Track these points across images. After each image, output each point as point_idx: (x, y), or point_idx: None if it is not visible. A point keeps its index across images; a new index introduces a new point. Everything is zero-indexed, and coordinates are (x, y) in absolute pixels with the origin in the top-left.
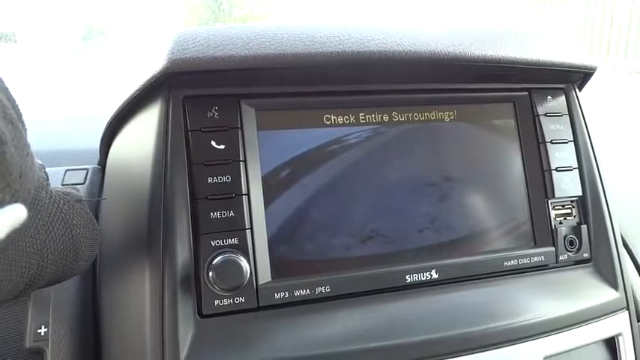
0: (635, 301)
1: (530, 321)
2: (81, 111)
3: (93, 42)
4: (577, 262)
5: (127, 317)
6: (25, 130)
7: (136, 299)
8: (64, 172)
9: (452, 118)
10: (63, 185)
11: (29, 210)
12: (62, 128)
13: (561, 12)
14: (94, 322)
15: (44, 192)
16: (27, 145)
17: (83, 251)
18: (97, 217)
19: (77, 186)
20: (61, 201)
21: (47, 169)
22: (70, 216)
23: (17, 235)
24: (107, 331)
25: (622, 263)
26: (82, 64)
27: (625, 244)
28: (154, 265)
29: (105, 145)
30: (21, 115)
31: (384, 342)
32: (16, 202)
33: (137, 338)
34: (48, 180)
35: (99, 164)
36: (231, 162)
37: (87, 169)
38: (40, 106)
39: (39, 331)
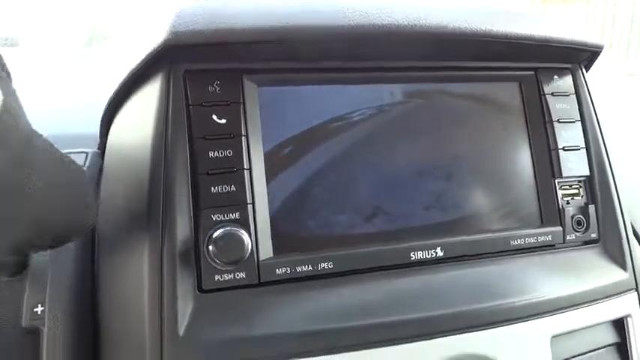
0: None
1: (537, 299)
2: (82, 99)
3: (96, 46)
4: (585, 243)
5: (125, 294)
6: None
7: (134, 275)
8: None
9: (457, 96)
10: None
11: None
12: (63, 114)
13: (562, 14)
14: (91, 300)
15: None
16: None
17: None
18: (96, 198)
19: None
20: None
21: None
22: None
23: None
24: (105, 308)
25: (631, 244)
26: (85, 68)
27: (635, 232)
28: (153, 239)
29: (105, 126)
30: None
31: (387, 318)
32: None
33: (135, 314)
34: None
35: (99, 148)
36: (232, 136)
37: (86, 153)
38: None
39: (35, 309)
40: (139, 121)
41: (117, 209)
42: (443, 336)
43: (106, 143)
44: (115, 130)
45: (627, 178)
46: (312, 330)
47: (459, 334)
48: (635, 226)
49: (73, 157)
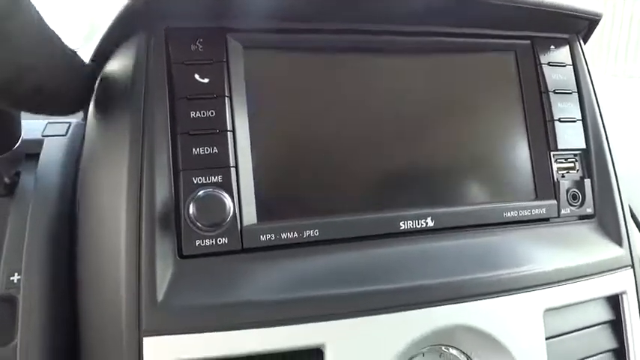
0: None
1: (530, 272)
2: None
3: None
4: (580, 218)
5: (102, 259)
6: None
7: (112, 239)
8: (45, 124)
9: (452, 67)
10: (43, 136)
11: None
12: None
13: None
14: (68, 268)
15: None
16: None
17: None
18: (77, 167)
19: (58, 137)
20: None
21: (28, 121)
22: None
23: None
24: (82, 275)
25: (627, 220)
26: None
27: (633, 216)
28: (132, 201)
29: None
30: None
31: (374, 286)
32: None
33: (112, 280)
34: None
35: (83, 120)
36: (215, 97)
37: (69, 123)
38: None
39: (11, 278)
40: (119, 82)
41: (97, 176)
42: (433, 306)
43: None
44: (96, 96)
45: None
46: (297, 298)
47: (450, 304)
48: (633, 211)
49: (55, 125)
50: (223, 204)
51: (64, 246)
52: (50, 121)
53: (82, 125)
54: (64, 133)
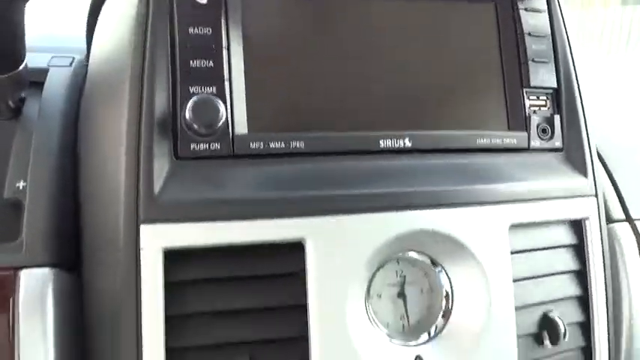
0: (607, 207)
1: (498, 188)
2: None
3: None
4: (549, 150)
5: (104, 162)
6: None
7: (114, 144)
8: (50, 57)
9: (435, 10)
10: (49, 65)
11: None
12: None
13: None
14: (72, 177)
15: None
16: None
17: None
18: (80, 95)
19: (63, 68)
20: None
21: (34, 54)
22: None
23: None
24: (85, 179)
25: (592, 155)
26: None
27: (604, 165)
28: (132, 109)
29: (89, 31)
30: None
31: (352, 190)
32: None
33: (114, 179)
34: None
35: (86, 58)
36: (213, 16)
37: (73, 57)
38: None
39: (17, 185)
40: (121, 4)
41: (100, 89)
42: (405, 210)
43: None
44: (101, 17)
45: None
46: (281, 196)
47: (421, 209)
48: (606, 163)
49: (60, 59)
50: (217, 109)
51: (68, 157)
52: (55, 55)
53: (85, 65)
54: (68, 64)
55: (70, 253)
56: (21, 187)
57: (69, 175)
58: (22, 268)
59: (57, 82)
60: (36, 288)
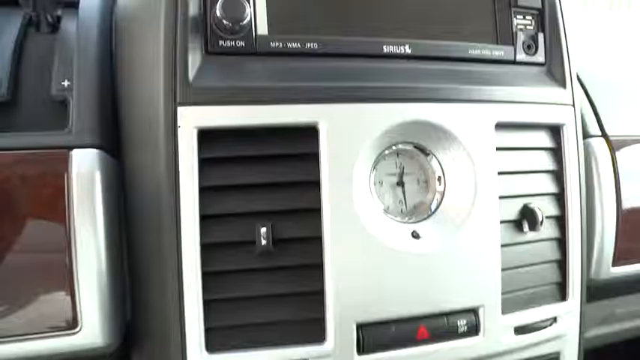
0: (583, 120)
1: (487, 88)
2: None
3: None
4: (533, 64)
5: (143, 56)
6: None
7: (151, 41)
8: None
9: None
10: None
11: None
12: None
13: None
14: (111, 71)
15: None
16: None
17: None
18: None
19: None
20: None
21: None
22: None
23: None
24: (125, 73)
25: (572, 72)
26: None
27: (585, 90)
28: (169, 7)
29: None
30: None
31: (360, 83)
32: None
33: (154, 71)
34: None
35: None
36: None
37: None
38: None
39: (62, 83)
40: None
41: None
42: (405, 102)
43: None
44: None
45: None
46: (297, 85)
47: (419, 102)
48: (585, 85)
49: None
50: (243, 7)
51: (106, 60)
52: None
53: None
54: None
55: (113, 139)
56: (66, 85)
57: (108, 73)
58: (73, 147)
59: (91, 2)
60: (86, 165)
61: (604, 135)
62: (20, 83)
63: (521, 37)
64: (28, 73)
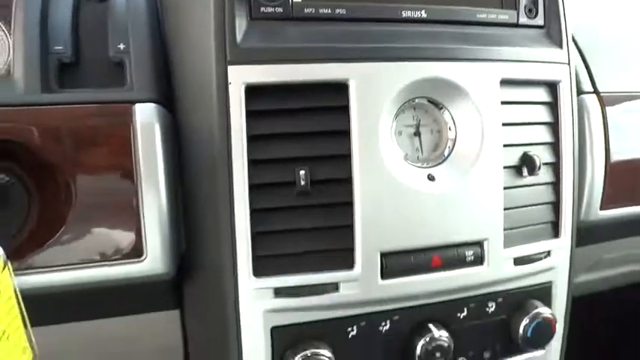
0: (577, 78)
1: (493, 48)
2: None
3: None
4: (533, 27)
5: (194, 21)
6: None
7: (201, 8)
8: None
9: None
10: None
11: None
12: None
13: None
14: (162, 35)
15: None
16: None
17: None
18: None
19: None
20: None
21: None
22: None
23: None
24: (178, 36)
25: (568, 34)
26: None
27: (579, 50)
28: None
29: None
30: None
31: (383, 44)
32: None
33: (204, 34)
34: None
35: None
36: None
37: None
38: None
39: (119, 46)
40: None
41: None
42: (422, 61)
43: None
44: None
45: None
46: (330, 46)
47: (433, 61)
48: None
49: None
50: None
51: (157, 25)
52: None
53: None
54: None
55: (168, 95)
56: (122, 48)
57: (158, 38)
58: (135, 102)
59: None
60: (148, 117)
61: (596, 91)
62: (81, 47)
63: (523, 2)
64: (86, 38)
